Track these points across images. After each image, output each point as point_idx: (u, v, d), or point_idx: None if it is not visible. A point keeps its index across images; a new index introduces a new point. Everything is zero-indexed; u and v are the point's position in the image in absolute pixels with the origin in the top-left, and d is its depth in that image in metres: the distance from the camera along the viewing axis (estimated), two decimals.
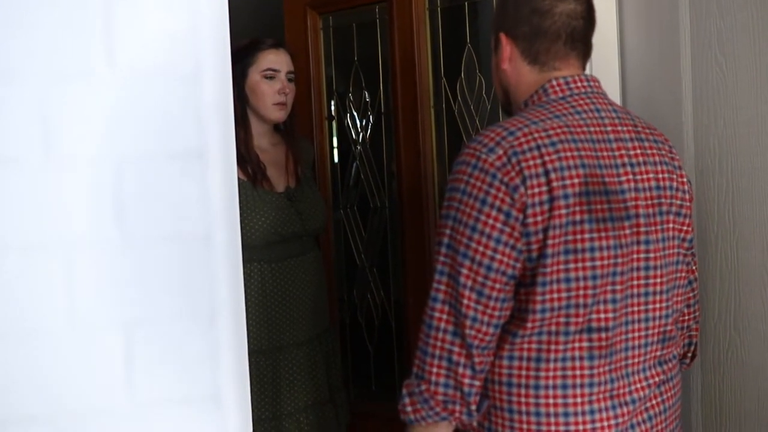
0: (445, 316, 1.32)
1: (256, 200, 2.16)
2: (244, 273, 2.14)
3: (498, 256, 1.30)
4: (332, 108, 2.74)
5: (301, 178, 2.29)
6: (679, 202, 1.46)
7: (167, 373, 1.15)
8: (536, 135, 1.34)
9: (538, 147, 1.33)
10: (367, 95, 2.67)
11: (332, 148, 2.76)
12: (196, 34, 1.15)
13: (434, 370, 1.33)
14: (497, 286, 1.31)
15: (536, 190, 1.31)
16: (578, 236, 1.33)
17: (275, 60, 2.22)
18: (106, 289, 1.12)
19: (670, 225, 1.44)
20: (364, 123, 2.69)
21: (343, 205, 2.74)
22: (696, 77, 1.79)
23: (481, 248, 1.30)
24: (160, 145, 1.14)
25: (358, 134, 2.71)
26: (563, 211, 1.32)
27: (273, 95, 2.20)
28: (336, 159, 2.76)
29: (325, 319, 2.35)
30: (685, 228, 1.48)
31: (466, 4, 2.43)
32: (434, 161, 2.50)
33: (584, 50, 1.47)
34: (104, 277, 1.12)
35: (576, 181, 1.33)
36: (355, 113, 2.70)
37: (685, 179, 1.48)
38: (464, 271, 1.31)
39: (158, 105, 1.14)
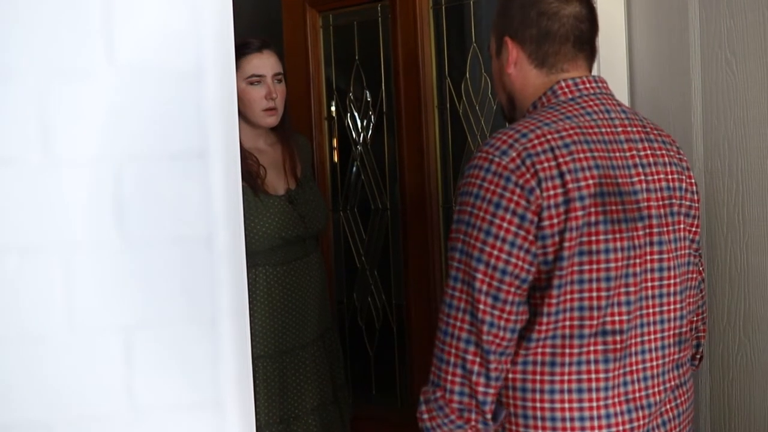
0: (459, 323, 1.30)
1: (258, 205, 2.14)
2: (251, 278, 2.13)
3: (513, 260, 1.29)
4: (332, 108, 2.71)
5: (300, 179, 2.27)
6: (688, 203, 1.45)
7: (168, 378, 1.13)
8: (549, 136, 1.33)
9: (552, 149, 1.32)
10: (368, 95, 2.64)
11: (332, 148, 2.73)
12: (198, 31, 1.13)
13: (449, 377, 1.31)
14: (512, 290, 1.29)
15: (552, 192, 1.29)
16: (593, 237, 1.31)
17: (259, 65, 2.17)
18: (105, 292, 1.10)
19: (681, 226, 1.43)
20: (365, 123, 2.66)
21: (343, 207, 2.72)
22: (705, 77, 1.77)
23: (495, 252, 1.29)
24: (160, 144, 1.12)
25: (358, 134, 2.68)
26: (579, 213, 1.30)
27: (261, 101, 2.16)
28: (336, 160, 2.74)
29: (328, 318, 2.34)
30: (694, 229, 1.47)
31: (471, 2, 2.41)
32: (438, 162, 2.48)
33: (591, 52, 1.47)
34: (104, 279, 1.10)
35: (591, 182, 1.32)
36: (355, 113, 2.68)
37: (693, 180, 1.48)
38: (479, 275, 1.29)
39: (159, 104, 1.11)
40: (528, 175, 1.29)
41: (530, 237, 1.28)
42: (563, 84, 1.42)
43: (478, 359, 1.29)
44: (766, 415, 1.71)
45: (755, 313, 1.71)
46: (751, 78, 1.68)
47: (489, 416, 1.32)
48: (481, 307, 1.28)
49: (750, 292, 1.72)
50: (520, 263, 1.29)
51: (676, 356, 1.42)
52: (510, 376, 1.34)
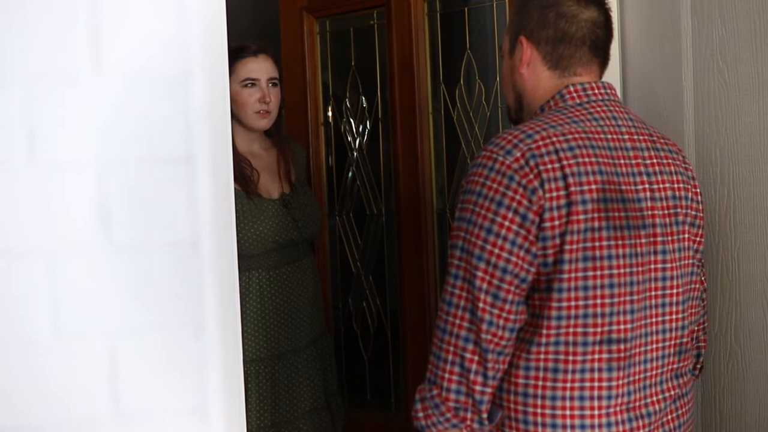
0: (458, 321, 1.30)
1: (251, 209, 2.15)
2: (244, 282, 2.13)
3: (513, 259, 1.28)
4: (329, 113, 2.72)
5: (294, 183, 2.27)
6: (693, 212, 1.44)
7: (155, 384, 1.13)
8: (554, 139, 1.33)
9: (556, 151, 1.31)
10: (364, 101, 2.65)
11: (328, 154, 2.74)
12: (185, 37, 1.13)
13: (446, 375, 1.31)
14: (512, 288, 1.29)
15: (554, 194, 1.29)
16: (596, 243, 1.31)
17: (254, 68, 2.19)
18: (92, 297, 1.10)
19: (686, 235, 1.42)
20: (360, 129, 2.67)
21: (338, 212, 2.72)
22: (698, 85, 1.77)
23: (496, 250, 1.28)
24: (147, 150, 1.11)
25: (354, 140, 2.69)
26: (581, 217, 1.30)
27: (254, 104, 2.18)
28: (332, 165, 2.74)
29: (321, 323, 2.34)
30: (698, 239, 1.46)
31: (466, 9, 2.42)
32: (432, 168, 2.48)
33: (604, 59, 1.47)
34: (91, 284, 1.09)
35: (594, 187, 1.31)
36: (351, 119, 2.68)
37: (698, 190, 1.47)
38: (479, 274, 1.29)
39: (146, 109, 1.11)
40: (531, 176, 1.29)
41: (531, 237, 1.28)
42: (572, 89, 1.42)
43: (476, 358, 1.29)
44: (758, 423, 1.70)
45: (747, 320, 1.71)
46: (742, 86, 1.68)
47: (485, 416, 1.31)
48: (481, 305, 1.28)
49: (741, 299, 1.72)
50: (520, 262, 1.28)
51: (675, 365, 1.41)
52: (512, 380, 1.34)
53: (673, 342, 1.40)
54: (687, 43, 1.78)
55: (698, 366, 1.55)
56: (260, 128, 2.23)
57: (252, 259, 2.15)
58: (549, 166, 1.30)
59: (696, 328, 1.51)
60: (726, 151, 1.73)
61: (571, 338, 1.31)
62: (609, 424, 1.33)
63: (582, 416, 1.32)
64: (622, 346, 1.33)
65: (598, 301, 1.31)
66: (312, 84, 2.68)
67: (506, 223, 1.28)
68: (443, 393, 1.30)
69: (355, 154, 2.68)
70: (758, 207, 1.68)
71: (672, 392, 1.41)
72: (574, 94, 1.41)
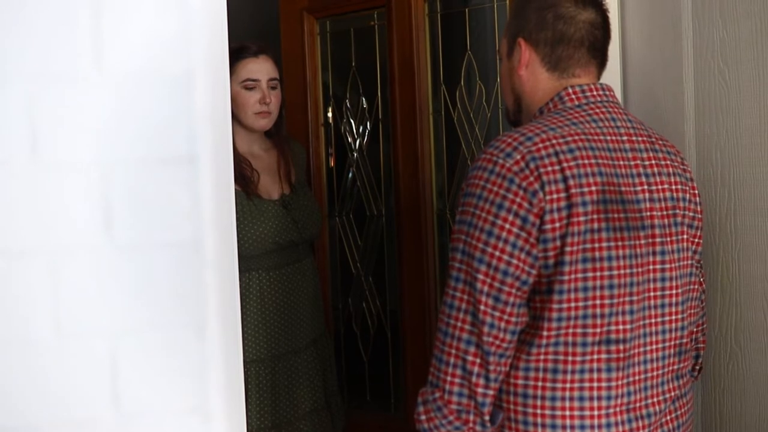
0: (459, 324, 1.30)
1: (252, 210, 2.14)
2: (244, 283, 2.13)
3: (514, 261, 1.29)
4: (329, 114, 2.72)
5: (294, 184, 2.27)
6: (691, 214, 1.45)
7: (156, 384, 1.13)
8: (554, 141, 1.33)
9: (556, 153, 1.32)
10: (364, 101, 2.65)
11: (328, 154, 2.74)
12: (187, 37, 1.13)
13: (448, 378, 1.31)
14: (513, 291, 1.29)
15: (555, 196, 1.29)
16: (596, 245, 1.31)
17: (254, 69, 2.18)
18: (93, 297, 1.10)
19: (684, 236, 1.43)
20: (360, 129, 2.67)
21: (338, 213, 2.72)
22: (698, 87, 1.78)
23: (497, 253, 1.28)
24: (150, 150, 1.11)
25: (354, 141, 2.69)
26: (581, 219, 1.30)
27: (254, 105, 2.18)
28: (332, 165, 2.74)
29: (321, 324, 2.34)
30: (696, 240, 1.47)
31: (466, 10, 2.42)
32: (432, 169, 2.49)
33: (602, 60, 1.47)
34: (92, 284, 1.10)
35: (594, 188, 1.32)
36: (351, 120, 2.68)
37: (696, 191, 1.47)
38: (480, 276, 1.29)
39: (148, 109, 1.11)
40: (531, 178, 1.29)
41: (531, 239, 1.29)
42: (570, 90, 1.42)
43: (478, 360, 1.29)
44: (758, 424, 1.71)
45: (747, 321, 1.71)
46: (743, 87, 1.68)
47: (487, 418, 1.31)
48: (482, 308, 1.28)
49: (742, 301, 1.72)
50: (521, 265, 1.29)
51: (675, 366, 1.42)
52: (511, 381, 1.34)
53: (673, 342, 1.40)
54: (688, 44, 1.78)
55: (697, 367, 1.55)
56: (260, 129, 2.23)
57: (252, 260, 2.15)
58: (549, 169, 1.30)
59: (695, 330, 1.51)
60: (726, 152, 1.73)
61: (570, 339, 1.32)
62: (608, 425, 1.33)
63: (582, 417, 1.32)
64: (621, 347, 1.33)
65: (598, 301, 1.32)
66: (312, 84, 2.68)
67: (507, 226, 1.28)
68: (445, 396, 1.31)
69: (355, 154, 2.68)
70: (759, 209, 1.68)
71: (672, 393, 1.41)
72: (573, 96, 1.42)
